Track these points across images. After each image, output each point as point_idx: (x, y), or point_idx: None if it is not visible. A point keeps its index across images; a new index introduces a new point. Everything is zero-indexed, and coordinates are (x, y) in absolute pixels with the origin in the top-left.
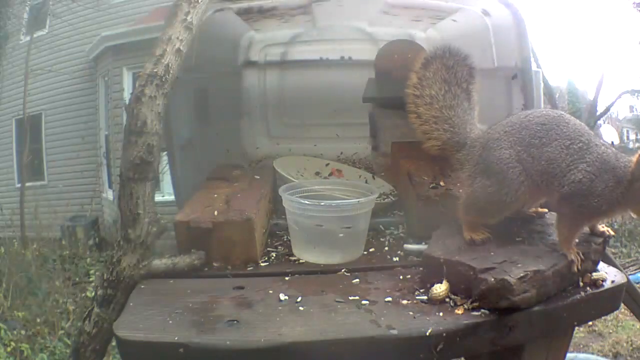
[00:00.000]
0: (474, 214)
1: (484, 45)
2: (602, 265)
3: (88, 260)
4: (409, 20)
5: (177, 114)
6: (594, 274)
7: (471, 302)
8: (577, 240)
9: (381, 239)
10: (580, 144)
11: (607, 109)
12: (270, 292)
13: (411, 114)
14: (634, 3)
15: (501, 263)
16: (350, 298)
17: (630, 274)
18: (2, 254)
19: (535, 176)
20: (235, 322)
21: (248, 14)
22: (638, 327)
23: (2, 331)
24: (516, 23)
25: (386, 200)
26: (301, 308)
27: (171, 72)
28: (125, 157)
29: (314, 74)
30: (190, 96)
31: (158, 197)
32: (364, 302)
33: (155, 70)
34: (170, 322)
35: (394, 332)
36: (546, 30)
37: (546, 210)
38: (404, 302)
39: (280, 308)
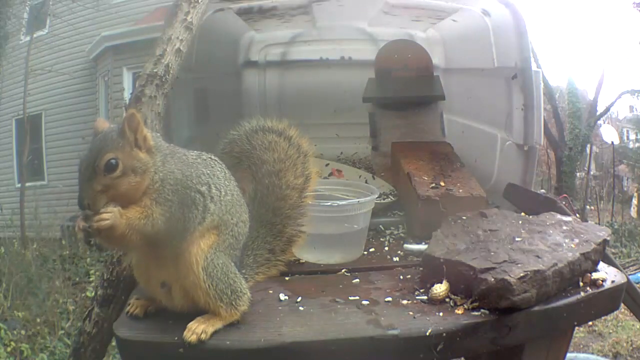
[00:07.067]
0: None
1: (484, 45)
2: (602, 265)
3: (88, 260)
4: (409, 20)
5: (177, 114)
6: (594, 274)
7: (471, 302)
8: None
9: (381, 239)
10: None
11: (607, 109)
12: (270, 292)
13: None
14: (634, 3)
15: (501, 263)
16: (350, 298)
17: (630, 274)
18: (2, 254)
19: None
20: (235, 321)
21: (248, 14)
22: (638, 327)
23: (2, 331)
24: (516, 23)
25: (386, 200)
26: (301, 308)
27: (171, 72)
28: None
29: (314, 74)
30: (190, 96)
31: None
32: (364, 302)
33: (155, 70)
34: (170, 322)
35: (394, 332)
36: (546, 30)
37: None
38: (404, 302)
39: (280, 308)
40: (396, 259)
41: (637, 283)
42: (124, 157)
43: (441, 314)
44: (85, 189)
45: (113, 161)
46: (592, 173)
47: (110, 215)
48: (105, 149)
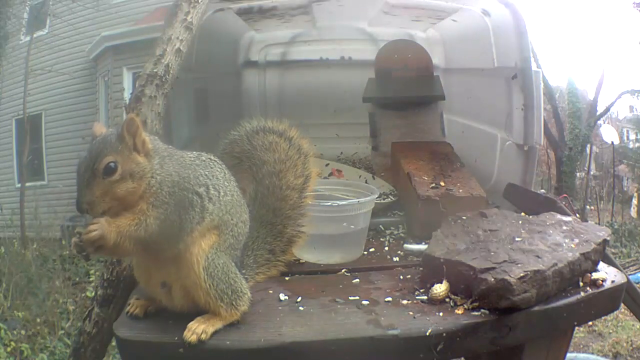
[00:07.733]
0: None
1: (484, 45)
2: (602, 265)
3: None
4: (409, 20)
5: (177, 114)
6: (594, 274)
7: (471, 302)
8: None
9: (381, 239)
10: None
11: (607, 109)
12: (270, 292)
13: None
14: (634, 3)
15: (501, 263)
16: (350, 298)
17: (630, 274)
18: (2, 254)
19: None
20: (235, 321)
21: (248, 14)
22: (638, 327)
23: (2, 331)
24: (516, 23)
25: (386, 200)
26: (301, 308)
27: (171, 72)
28: None
29: (314, 74)
30: (190, 96)
31: None
32: (364, 302)
33: (155, 70)
34: (170, 322)
35: (394, 332)
36: (546, 30)
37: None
38: (404, 302)
39: (280, 308)
40: (396, 259)
41: (637, 283)
42: (123, 160)
43: (441, 314)
44: (83, 193)
45: (112, 164)
46: (592, 173)
47: (97, 225)
48: (105, 152)
